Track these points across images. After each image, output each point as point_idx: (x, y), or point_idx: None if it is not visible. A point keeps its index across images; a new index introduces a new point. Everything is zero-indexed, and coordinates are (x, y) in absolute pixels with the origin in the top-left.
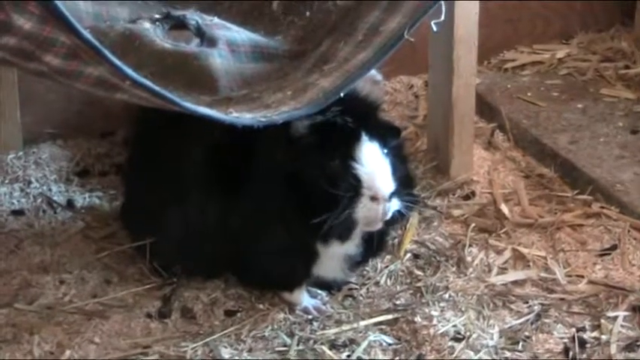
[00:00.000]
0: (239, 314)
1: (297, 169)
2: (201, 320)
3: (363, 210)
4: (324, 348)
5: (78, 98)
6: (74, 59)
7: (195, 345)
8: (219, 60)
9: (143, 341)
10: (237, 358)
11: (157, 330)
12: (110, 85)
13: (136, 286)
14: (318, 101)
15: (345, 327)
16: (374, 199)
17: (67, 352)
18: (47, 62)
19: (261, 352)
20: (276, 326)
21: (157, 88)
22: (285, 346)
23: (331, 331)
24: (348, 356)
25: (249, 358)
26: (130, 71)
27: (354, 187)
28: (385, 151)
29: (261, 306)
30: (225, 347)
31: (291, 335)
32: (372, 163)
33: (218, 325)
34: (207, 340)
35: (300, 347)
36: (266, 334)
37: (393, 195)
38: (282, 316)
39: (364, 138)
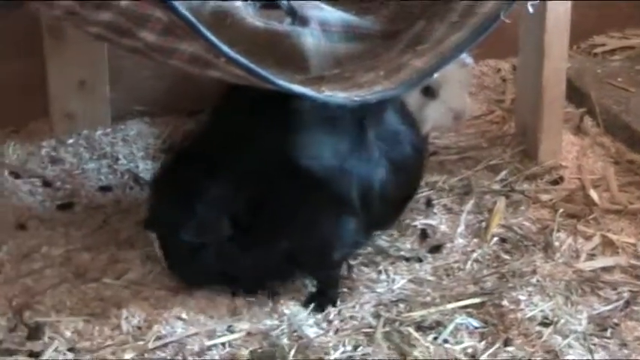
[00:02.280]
0: None
1: None
2: (288, 299)
3: None
4: (411, 330)
5: (167, 76)
6: (169, 35)
7: (280, 324)
8: (310, 39)
9: (229, 318)
10: (323, 338)
11: (243, 307)
12: (204, 62)
13: None
14: (411, 81)
15: (431, 309)
16: None
17: (155, 327)
18: (142, 38)
19: (347, 332)
20: (362, 307)
21: (252, 65)
22: (370, 327)
23: (417, 313)
24: (435, 338)
25: (335, 338)
26: (225, 48)
27: None
28: None
29: (345, 289)
30: (311, 327)
31: (377, 317)
32: None
33: (305, 305)
34: (293, 319)
35: (387, 329)
36: (352, 315)
37: None
38: (367, 297)
39: None
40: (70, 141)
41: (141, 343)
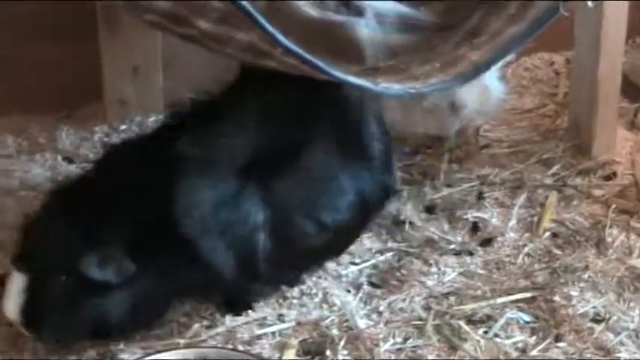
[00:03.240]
0: (379, 290)
1: None
2: (339, 290)
3: None
4: (461, 323)
5: (220, 64)
6: (224, 24)
7: (330, 314)
8: (365, 30)
9: (279, 308)
10: (373, 329)
11: (293, 297)
12: (259, 52)
13: None
14: (467, 74)
15: (482, 303)
16: None
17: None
18: (198, 26)
19: (397, 324)
20: (412, 300)
21: (307, 55)
22: (420, 319)
23: (468, 307)
24: (485, 332)
25: (385, 329)
26: (281, 38)
27: None
28: None
29: (394, 282)
30: (362, 318)
31: (427, 309)
32: None
33: (355, 296)
34: (344, 310)
35: (437, 322)
36: (402, 307)
37: None
38: (417, 289)
39: None
40: (123, 127)
41: (191, 331)
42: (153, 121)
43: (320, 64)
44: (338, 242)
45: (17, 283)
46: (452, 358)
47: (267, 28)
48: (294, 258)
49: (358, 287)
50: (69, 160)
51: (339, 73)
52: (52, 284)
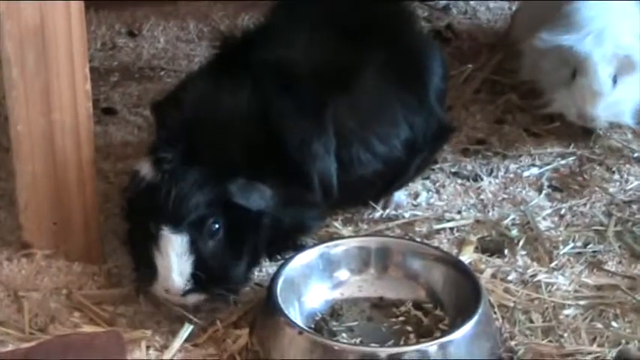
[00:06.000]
0: (560, 194)
1: None
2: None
3: None
4: None
5: None
6: None
7: (511, 213)
8: None
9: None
10: (553, 232)
11: (471, 198)
12: None
13: None
14: None
15: None
16: None
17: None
18: None
19: (578, 228)
20: (593, 205)
21: None
22: (602, 225)
23: None
24: None
25: (565, 233)
26: None
27: None
28: None
29: (575, 186)
30: (545, 220)
31: (608, 215)
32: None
33: (538, 197)
34: (525, 210)
35: (618, 228)
36: (583, 211)
37: None
38: (599, 195)
39: None
40: None
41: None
42: None
43: None
44: (387, 175)
45: (174, 245)
46: (633, 265)
47: None
48: (350, 188)
49: (539, 189)
50: None
51: None
52: (211, 235)
